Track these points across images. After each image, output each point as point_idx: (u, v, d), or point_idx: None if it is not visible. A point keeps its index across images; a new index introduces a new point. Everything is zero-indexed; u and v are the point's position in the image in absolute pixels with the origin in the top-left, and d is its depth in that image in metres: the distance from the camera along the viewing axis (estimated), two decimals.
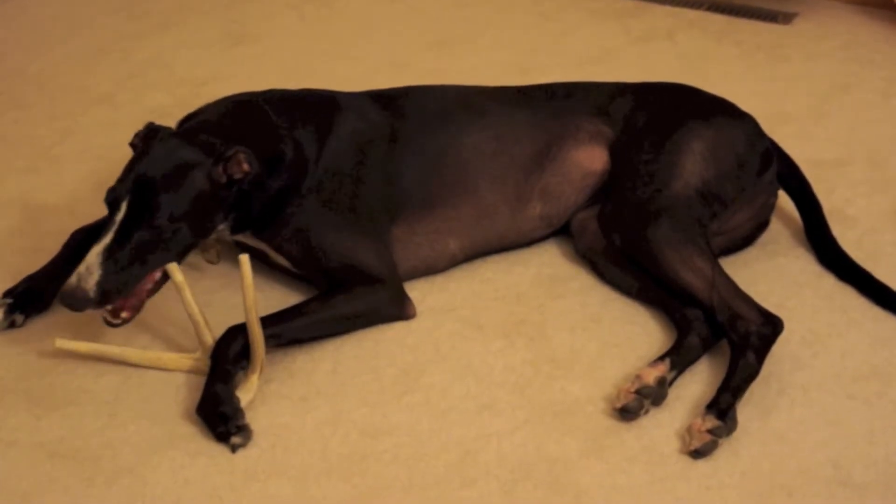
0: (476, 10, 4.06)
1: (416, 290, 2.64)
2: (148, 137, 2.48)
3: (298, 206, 2.57)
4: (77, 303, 2.31)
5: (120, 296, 2.36)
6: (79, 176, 3.14)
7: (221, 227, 2.54)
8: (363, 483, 2.20)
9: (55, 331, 2.56)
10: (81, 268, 2.31)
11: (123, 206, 2.35)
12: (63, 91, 3.60)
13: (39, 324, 2.60)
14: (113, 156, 3.18)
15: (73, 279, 2.31)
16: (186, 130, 2.52)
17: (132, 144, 2.51)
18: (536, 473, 2.22)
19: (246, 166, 2.44)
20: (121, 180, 2.39)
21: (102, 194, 2.91)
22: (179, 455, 2.27)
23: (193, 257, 2.70)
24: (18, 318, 2.59)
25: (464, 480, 2.20)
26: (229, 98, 2.70)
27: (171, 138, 2.47)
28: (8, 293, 2.61)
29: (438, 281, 2.69)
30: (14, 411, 2.39)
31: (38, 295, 2.62)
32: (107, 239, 2.33)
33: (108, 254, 2.32)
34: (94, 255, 2.32)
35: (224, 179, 2.44)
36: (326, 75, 3.48)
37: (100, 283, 2.30)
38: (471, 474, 2.22)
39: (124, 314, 2.39)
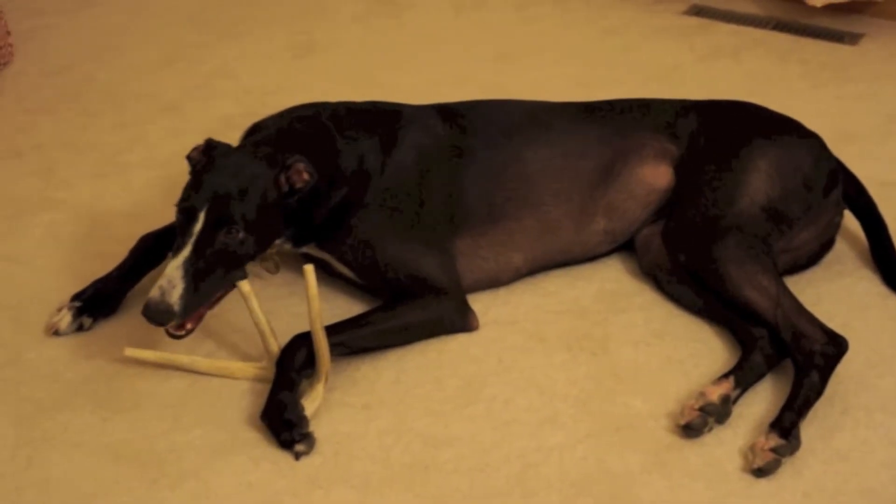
0: (540, 25, 4.07)
1: (480, 303, 2.65)
2: (207, 152, 2.51)
3: (362, 217, 2.59)
4: (162, 317, 2.31)
5: (200, 308, 2.38)
6: (146, 183, 3.18)
7: (280, 240, 2.57)
8: (425, 492, 2.21)
9: (122, 334, 2.60)
10: (163, 281, 2.32)
11: (201, 218, 2.37)
12: (131, 99, 3.64)
13: (107, 327, 2.64)
14: (180, 163, 3.19)
15: (155, 294, 2.31)
16: (247, 145, 2.56)
17: (189, 157, 2.54)
18: (597, 488, 2.22)
19: (306, 175, 2.46)
20: (194, 192, 2.40)
21: (169, 201, 2.96)
22: (243, 460, 2.29)
23: (256, 267, 2.73)
24: (86, 321, 2.63)
25: (525, 493, 2.21)
26: (292, 110, 2.72)
27: (235, 152, 2.50)
28: (76, 297, 2.65)
29: (501, 294, 2.70)
30: (81, 413, 2.42)
31: (105, 299, 2.65)
32: (185, 251, 2.34)
33: (189, 266, 2.34)
34: (175, 269, 2.33)
35: (286, 189, 2.47)
36: (391, 87, 3.50)
37: (183, 297, 2.31)
38: (532, 487, 2.22)
39: (188, 325, 2.40)
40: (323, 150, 2.57)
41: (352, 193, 2.59)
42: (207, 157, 2.49)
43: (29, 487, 2.25)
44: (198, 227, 2.36)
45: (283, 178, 2.46)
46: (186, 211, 2.39)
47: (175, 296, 2.31)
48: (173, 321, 2.33)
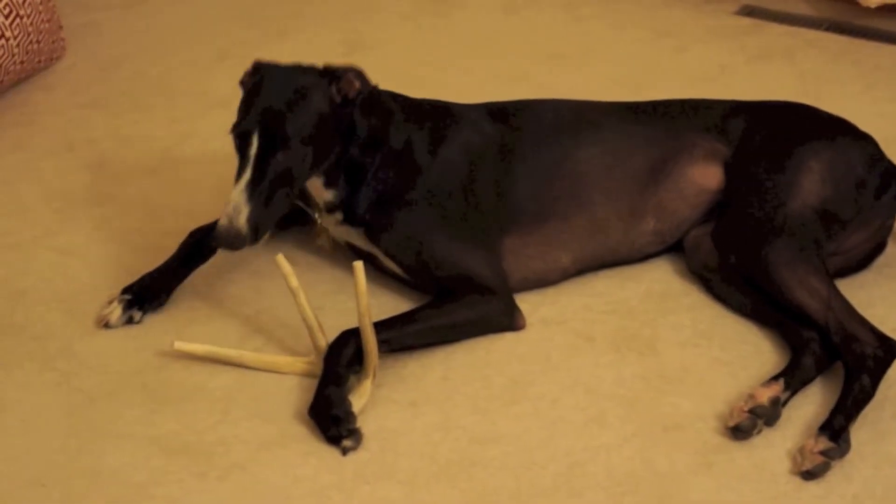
0: (590, 25, 4.05)
1: (527, 302, 2.64)
2: (255, 73, 2.53)
3: (410, 211, 2.60)
4: (232, 241, 2.36)
5: (268, 228, 2.42)
6: (196, 178, 3.19)
7: (332, 198, 2.59)
8: (471, 489, 2.22)
9: (171, 328, 2.62)
10: (228, 208, 2.36)
11: (255, 140, 2.39)
12: (183, 95, 3.66)
13: (156, 320, 2.66)
14: (231, 160, 3.20)
15: (223, 221, 2.36)
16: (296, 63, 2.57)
17: (241, 83, 2.56)
18: (644, 487, 2.21)
19: (357, 84, 2.49)
20: (245, 114, 2.43)
21: (220, 197, 2.98)
22: (290, 454, 2.30)
23: (305, 255, 2.75)
24: (136, 314, 2.64)
25: (571, 491, 2.21)
26: None
27: (284, 69, 2.51)
28: (126, 290, 2.67)
29: (549, 293, 2.69)
30: (130, 405, 2.44)
31: (155, 292, 2.67)
32: (246, 175, 2.38)
33: (252, 188, 2.37)
34: (238, 193, 2.37)
35: (339, 99, 2.48)
36: (439, 86, 3.50)
37: (250, 220, 2.36)
38: (578, 486, 2.22)
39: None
40: (381, 115, 2.59)
41: (400, 179, 2.60)
42: (257, 78, 2.50)
43: (79, 477, 2.27)
44: (253, 150, 2.39)
45: (334, 89, 2.47)
46: (241, 135, 2.42)
47: (242, 219, 2.35)
48: (245, 245, 2.37)
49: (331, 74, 2.49)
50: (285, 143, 2.40)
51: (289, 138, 2.40)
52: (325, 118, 2.47)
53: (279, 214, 2.47)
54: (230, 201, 2.37)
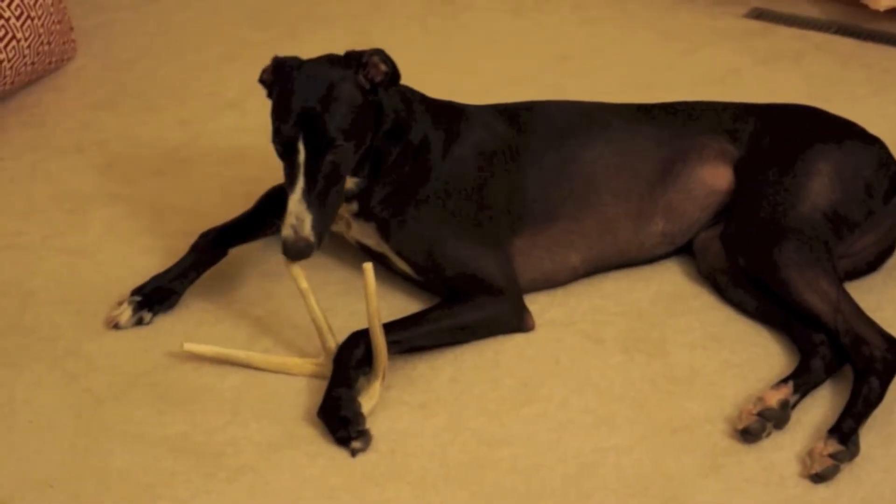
0: (599, 27, 4.06)
1: (537, 304, 2.64)
2: (278, 71, 2.52)
3: (421, 209, 2.60)
4: (302, 252, 2.38)
5: (329, 227, 2.46)
6: (206, 179, 3.20)
7: (353, 205, 2.60)
8: (481, 491, 2.22)
9: (181, 329, 2.63)
10: (291, 220, 2.38)
11: (301, 148, 2.40)
12: (192, 96, 3.67)
13: (166, 322, 2.66)
14: (240, 161, 3.24)
15: (288, 233, 2.37)
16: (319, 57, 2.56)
17: (262, 81, 2.56)
18: (653, 489, 2.21)
19: (383, 66, 2.48)
20: (284, 122, 2.43)
21: (230, 198, 3.01)
22: (299, 455, 2.31)
23: (315, 257, 2.75)
24: (146, 315, 2.65)
25: (580, 493, 2.21)
26: None
27: (309, 64, 2.50)
28: (136, 291, 2.67)
29: (559, 295, 2.69)
30: (140, 405, 2.44)
31: (165, 294, 2.67)
32: (300, 183, 2.39)
33: (308, 196, 2.39)
34: (297, 204, 2.38)
35: (368, 86, 2.49)
36: (448, 87, 3.49)
37: (315, 227, 2.38)
38: (587, 488, 2.22)
39: None
40: (403, 103, 2.61)
41: (414, 175, 2.60)
42: (281, 77, 2.50)
43: (87, 478, 2.28)
44: (301, 157, 2.40)
45: (361, 77, 2.47)
46: (285, 144, 2.42)
47: (307, 228, 2.38)
48: (314, 251, 2.40)
49: (356, 62, 2.48)
50: (331, 145, 2.41)
51: (333, 140, 2.40)
52: (359, 108, 2.47)
53: (337, 211, 2.50)
54: (291, 212, 2.38)
